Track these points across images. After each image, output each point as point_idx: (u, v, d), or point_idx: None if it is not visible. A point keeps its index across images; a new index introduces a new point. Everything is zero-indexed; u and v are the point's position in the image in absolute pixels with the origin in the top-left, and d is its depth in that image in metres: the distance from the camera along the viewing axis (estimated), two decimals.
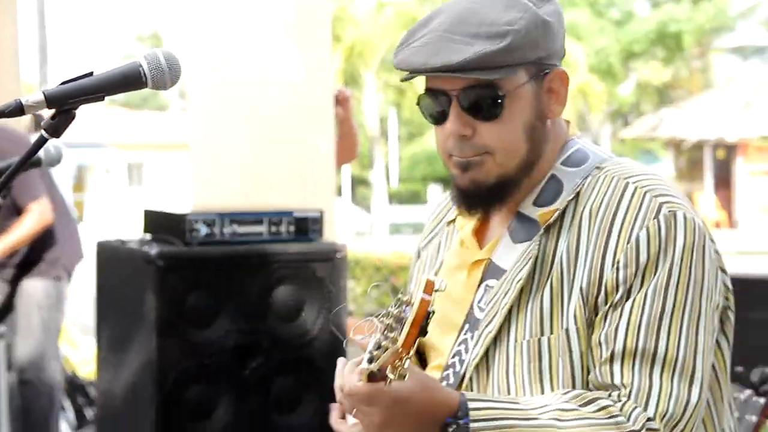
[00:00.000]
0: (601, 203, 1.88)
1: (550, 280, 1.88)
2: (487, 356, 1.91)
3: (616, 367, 1.81)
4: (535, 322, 1.87)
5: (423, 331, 1.60)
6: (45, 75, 17.07)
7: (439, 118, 1.91)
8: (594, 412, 1.79)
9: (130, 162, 34.90)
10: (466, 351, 1.95)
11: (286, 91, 4.84)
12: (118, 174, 34.72)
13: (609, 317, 1.83)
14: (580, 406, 1.79)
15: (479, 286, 1.97)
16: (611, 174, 1.91)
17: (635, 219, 1.84)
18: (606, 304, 1.83)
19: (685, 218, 1.84)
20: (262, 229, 3.91)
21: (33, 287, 5.74)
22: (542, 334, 1.87)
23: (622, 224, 1.84)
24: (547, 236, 1.91)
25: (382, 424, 1.73)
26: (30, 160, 1.81)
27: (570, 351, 1.85)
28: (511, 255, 1.94)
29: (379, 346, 1.64)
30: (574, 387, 1.85)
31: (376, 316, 1.67)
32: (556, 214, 1.91)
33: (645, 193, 1.86)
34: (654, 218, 1.83)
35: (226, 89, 4.83)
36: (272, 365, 3.78)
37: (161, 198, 29.84)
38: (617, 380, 1.81)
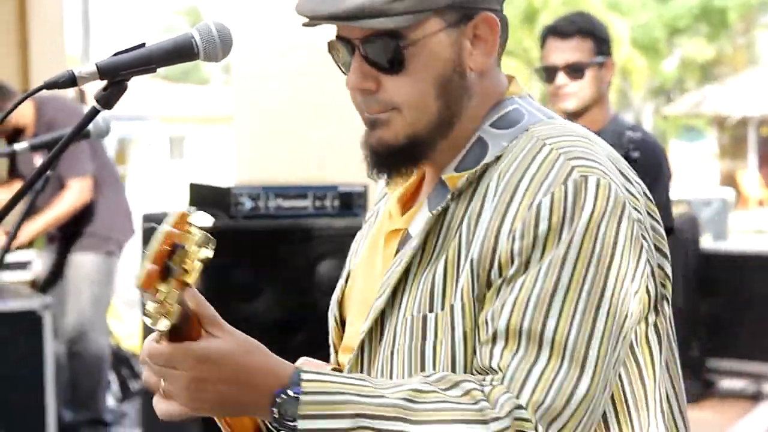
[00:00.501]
0: (512, 164, 1.62)
1: (447, 250, 1.63)
2: (374, 332, 1.70)
3: (497, 348, 1.55)
4: (425, 296, 1.63)
5: (168, 271, 1.39)
6: (87, 47, 17.13)
7: (346, 68, 1.71)
8: (457, 396, 1.52)
9: (171, 135, 35.06)
10: None
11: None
12: (160, 147, 34.89)
13: (500, 293, 1.57)
14: (442, 389, 1.53)
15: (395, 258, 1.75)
16: (533, 134, 1.65)
17: (541, 183, 1.57)
18: (500, 278, 1.57)
19: (598, 184, 1.56)
20: (306, 203, 3.91)
21: (84, 261, 5.78)
22: (431, 310, 1.63)
23: (527, 189, 1.58)
24: (458, 203, 1.66)
25: (190, 388, 1.47)
26: (81, 132, 1.80)
27: (453, 329, 1.61)
28: (422, 223, 1.70)
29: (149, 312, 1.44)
30: (454, 371, 1.61)
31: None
32: (464, 178, 1.66)
33: (560, 155, 1.59)
34: (562, 183, 1.56)
35: (271, 62, 4.82)
36: (315, 339, 3.79)
37: (202, 171, 29.96)
38: (495, 363, 1.55)
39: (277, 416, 1.49)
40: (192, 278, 1.43)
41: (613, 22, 25.91)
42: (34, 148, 2.95)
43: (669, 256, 1.70)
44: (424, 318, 1.63)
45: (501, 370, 1.54)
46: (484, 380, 1.54)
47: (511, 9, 28.15)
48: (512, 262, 1.56)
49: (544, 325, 1.53)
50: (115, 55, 1.70)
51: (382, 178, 1.74)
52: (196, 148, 35.40)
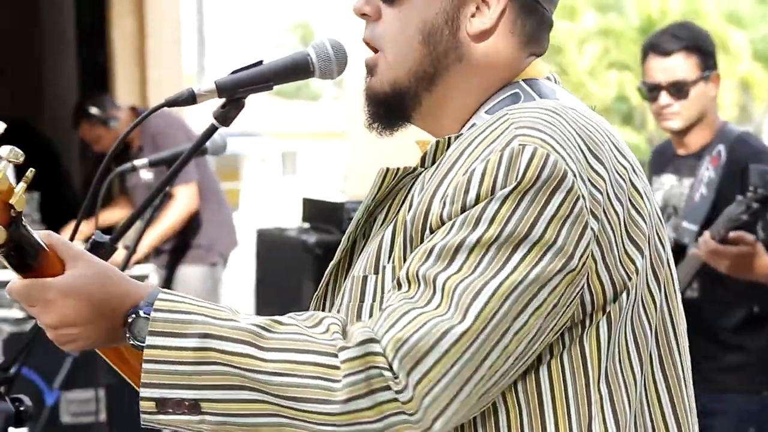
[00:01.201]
0: (469, 134, 1.56)
1: (399, 213, 1.59)
2: (327, 290, 1.66)
3: (395, 292, 1.49)
4: (371, 258, 1.58)
5: None
6: (203, 64, 17.44)
7: None
8: (318, 331, 1.47)
9: (284, 151, 35.44)
10: None
11: None
12: (273, 163, 35.29)
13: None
14: (305, 325, 1.48)
15: None
16: (505, 109, 1.57)
17: (483, 150, 1.50)
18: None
19: (533, 153, 1.47)
20: None
21: (190, 273, 5.87)
22: (375, 272, 1.57)
23: (469, 155, 1.51)
24: (426, 170, 1.61)
25: (53, 321, 1.47)
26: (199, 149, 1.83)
27: (382, 291, 1.56)
28: None
29: None
30: None
31: None
32: (431, 144, 1.61)
33: (511, 124, 1.51)
34: (500, 150, 1.48)
35: None
36: None
37: (315, 187, 30.22)
38: (385, 303, 1.48)
39: (128, 336, 1.48)
40: (17, 201, 1.43)
41: (732, 34, 25.45)
42: (153, 164, 3.01)
43: (644, 249, 1.57)
44: (365, 279, 1.58)
45: (384, 310, 1.47)
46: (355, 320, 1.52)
47: (626, 21, 27.88)
48: (441, 225, 1.49)
49: (439, 273, 1.46)
50: (232, 73, 1.72)
51: (374, 129, 1.71)
52: (309, 163, 35.72)
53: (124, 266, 2.73)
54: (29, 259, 1.46)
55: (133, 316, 1.47)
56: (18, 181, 1.46)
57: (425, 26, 1.63)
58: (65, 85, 8.48)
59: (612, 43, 27.28)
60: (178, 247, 5.90)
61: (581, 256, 1.49)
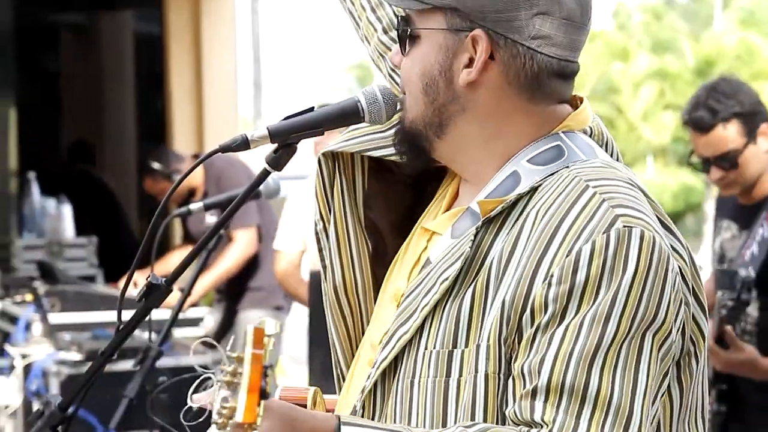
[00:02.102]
0: (552, 204, 1.57)
1: (474, 283, 1.60)
2: (395, 363, 1.66)
3: (539, 403, 1.51)
4: (450, 331, 1.60)
5: (263, 394, 1.40)
6: (259, 108, 17.60)
7: None
8: None
9: None
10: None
11: None
12: None
13: (536, 343, 1.53)
14: None
15: (413, 269, 1.74)
16: (574, 173, 1.60)
17: (583, 229, 1.53)
18: (532, 324, 1.54)
19: (642, 236, 1.52)
20: None
21: (254, 317, 5.87)
22: (456, 345, 1.59)
23: (567, 233, 1.53)
24: (486, 232, 1.62)
25: None
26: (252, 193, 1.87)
27: (476, 371, 1.57)
28: (443, 249, 1.68)
29: (221, 413, 1.43)
30: (473, 412, 1.58)
31: (211, 376, 1.49)
32: (500, 206, 1.61)
33: (603, 201, 1.55)
34: (604, 232, 1.52)
35: None
36: None
37: None
38: (538, 416, 1.51)
39: None
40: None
41: None
42: (208, 208, 3.06)
43: (706, 308, 1.65)
44: (450, 354, 1.60)
45: (546, 424, 1.50)
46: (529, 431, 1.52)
47: (682, 62, 27.77)
48: (546, 308, 1.53)
49: (587, 381, 1.50)
50: (285, 119, 1.76)
51: (404, 160, 1.78)
52: None
53: (179, 308, 2.77)
54: None
55: None
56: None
57: (424, 76, 1.69)
58: (124, 131, 8.62)
59: (668, 84, 27.16)
60: (241, 290, 5.92)
61: (677, 331, 1.58)
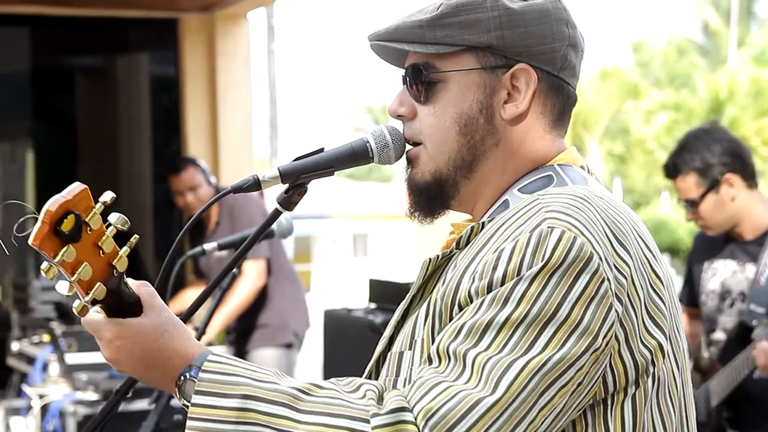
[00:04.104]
0: (501, 217, 1.64)
1: (432, 292, 1.67)
2: (375, 372, 1.75)
3: (426, 367, 1.57)
4: (407, 335, 1.67)
5: (59, 234, 1.46)
6: (275, 149, 17.66)
7: None
8: (354, 396, 1.56)
9: (355, 232, 35.57)
10: None
11: None
12: (344, 244, 35.42)
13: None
14: (344, 390, 1.57)
15: None
16: (537, 194, 1.65)
17: (513, 231, 1.58)
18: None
19: (561, 236, 1.54)
20: None
21: (264, 355, 5.87)
22: (410, 348, 1.66)
23: (500, 236, 1.59)
24: (460, 252, 1.68)
25: (109, 357, 1.62)
26: (264, 232, 1.89)
27: (412, 364, 1.65)
28: None
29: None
30: None
31: None
32: (468, 228, 1.67)
33: (541, 208, 1.59)
34: (529, 232, 1.55)
35: None
36: None
37: (386, 268, 30.24)
38: (416, 376, 1.56)
39: (178, 395, 1.60)
40: (120, 264, 1.55)
41: None
42: (222, 248, 3.09)
43: (666, 331, 1.62)
44: (401, 354, 1.67)
45: (415, 380, 1.55)
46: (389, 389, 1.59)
47: (695, 101, 27.78)
48: (470, 301, 1.57)
49: (468, 349, 1.53)
50: (295, 159, 1.79)
51: (416, 218, 1.79)
52: (380, 245, 35.79)
53: None
54: (127, 312, 1.61)
55: (182, 378, 1.59)
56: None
57: (461, 118, 1.71)
58: (141, 173, 8.67)
59: (682, 117, 27.16)
60: (250, 328, 5.93)
61: (605, 336, 1.55)
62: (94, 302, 1.56)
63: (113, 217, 1.54)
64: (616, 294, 1.56)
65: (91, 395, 4.92)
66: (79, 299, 1.56)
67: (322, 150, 1.80)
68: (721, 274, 3.96)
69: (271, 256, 5.85)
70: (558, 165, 1.73)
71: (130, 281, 1.62)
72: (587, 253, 1.54)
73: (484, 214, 1.74)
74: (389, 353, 1.71)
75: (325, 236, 34.36)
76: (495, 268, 1.56)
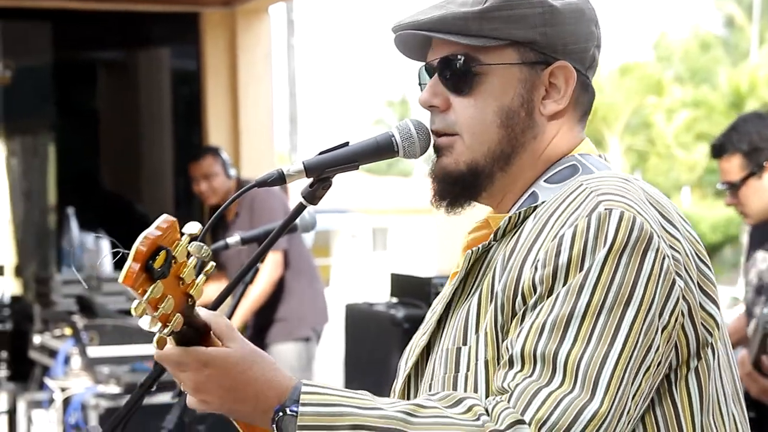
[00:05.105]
0: (549, 205, 1.65)
1: (481, 286, 1.67)
2: (421, 368, 1.73)
3: (511, 371, 1.55)
4: (459, 329, 1.66)
5: (150, 271, 1.42)
6: (295, 143, 17.67)
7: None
8: (459, 412, 1.53)
9: (374, 227, 35.57)
10: None
11: None
12: (364, 239, 35.43)
13: (522, 321, 1.58)
14: (445, 406, 1.54)
15: None
16: (578, 180, 1.67)
17: (568, 217, 1.59)
18: (523, 306, 1.59)
19: (621, 216, 1.56)
20: None
21: (284, 350, 5.88)
22: (464, 343, 1.65)
23: (555, 222, 1.60)
24: (500, 244, 1.69)
25: (196, 390, 1.55)
26: (289, 227, 1.89)
27: (477, 359, 1.63)
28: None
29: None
30: None
31: None
32: (506, 218, 1.69)
33: (591, 192, 1.61)
34: (586, 216, 1.57)
35: None
36: None
37: (406, 262, 30.24)
38: (506, 383, 1.54)
39: (275, 431, 1.54)
40: (197, 292, 1.50)
41: None
42: (245, 242, 3.08)
43: (718, 303, 1.65)
44: (458, 350, 1.65)
45: (510, 390, 1.53)
46: (492, 399, 1.55)
47: (717, 96, 27.68)
48: (534, 290, 1.58)
49: (557, 349, 1.53)
50: (320, 153, 1.78)
51: (442, 207, 1.79)
52: (400, 239, 35.79)
53: None
54: (194, 340, 1.56)
55: (280, 413, 1.53)
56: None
57: (502, 111, 1.73)
58: (162, 167, 8.69)
59: (702, 113, 27.06)
60: (268, 322, 5.94)
61: (672, 313, 1.58)
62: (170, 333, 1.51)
63: (194, 246, 1.50)
64: (675, 270, 1.58)
65: (113, 388, 4.93)
66: (157, 331, 1.50)
67: (346, 144, 1.79)
68: (759, 265, 3.93)
69: (289, 248, 5.85)
70: (579, 154, 1.76)
71: (201, 310, 1.58)
72: (648, 231, 1.57)
73: (512, 207, 1.75)
74: (438, 349, 1.70)
75: (345, 230, 34.36)
76: (558, 254, 1.57)
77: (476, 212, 1.85)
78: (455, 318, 1.69)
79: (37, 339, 6.10)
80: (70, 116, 8.83)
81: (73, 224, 6.83)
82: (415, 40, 1.77)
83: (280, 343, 5.90)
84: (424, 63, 1.80)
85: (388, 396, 1.89)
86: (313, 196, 1.79)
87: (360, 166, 1.80)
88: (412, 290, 4.03)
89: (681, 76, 30.83)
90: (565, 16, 1.72)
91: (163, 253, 1.45)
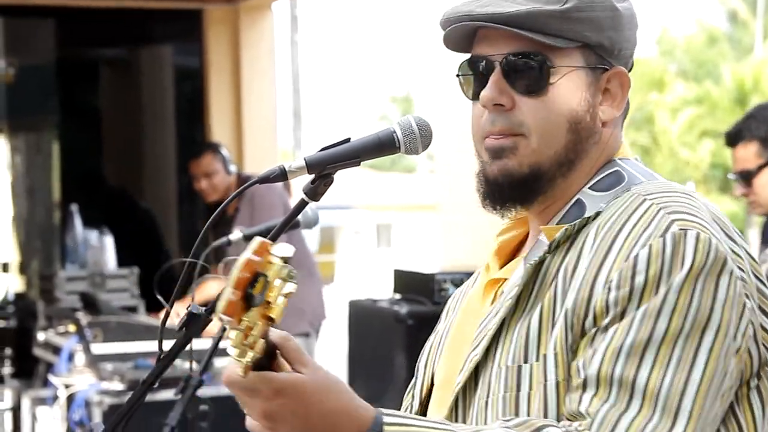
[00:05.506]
0: (610, 218, 1.60)
1: (542, 301, 1.61)
2: (472, 383, 1.66)
3: (587, 394, 1.52)
4: (520, 346, 1.61)
5: (249, 299, 1.38)
6: (299, 140, 17.66)
7: (477, 91, 1.70)
8: None
9: (378, 223, 35.58)
10: None
11: None
12: (368, 235, 35.43)
13: (593, 341, 1.54)
14: None
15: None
16: (633, 191, 1.63)
17: (640, 236, 1.55)
18: (594, 327, 1.55)
19: (697, 238, 1.53)
20: None
21: None
22: (526, 360, 1.60)
23: (624, 241, 1.56)
24: (554, 256, 1.64)
25: (266, 418, 1.49)
26: (291, 223, 1.89)
27: (545, 380, 1.58)
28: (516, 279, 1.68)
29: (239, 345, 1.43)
30: None
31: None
32: (562, 230, 1.63)
33: (659, 209, 1.57)
34: (660, 236, 1.54)
35: (474, 151, 4.90)
36: None
37: (409, 258, 30.25)
38: (584, 408, 1.51)
39: None
40: (276, 314, 1.45)
41: None
42: (248, 238, 3.09)
43: None
44: (519, 368, 1.60)
45: (589, 416, 1.50)
46: (570, 425, 1.51)
47: (722, 92, 27.64)
48: (607, 312, 1.54)
49: (636, 374, 1.50)
50: (322, 150, 1.77)
51: (495, 210, 1.73)
52: (404, 235, 35.79)
53: (219, 338, 2.79)
54: (265, 363, 1.50)
55: None
56: None
57: (571, 115, 1.68)
58: (165, 164, 8.69)
59: (705, 110, 27.03)
60: None
61: (743, 335, 1.57)
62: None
63: (285, 271, 1.46)
64: (745, 292, 1.58)
65: (117, 385, 4.93)
66: (238, 359, 1.45)
67: (348, 140, 1.78)
68: None
69: (287, 243, 5.85)
70: (618, 159, 1.73)
71: (273, 331, 1.51)
72: (722, 253, 1.56)
73: (556, 214, 1.70)
74: (493, 365, 1.64)
75: (349, 227, 34.37)
76: (633, 276, 1.54)
77: (476, 215, 1.83)
78: (513, 333, 1.63)
79: (41, 336, 6.10)
80: (73, 113, 8.83)
81: (77, 221, 6.83)
82: (462, 30, 1.71)
83: None
84: (471, 54, 1.72)
85: (403, 396, 1.89)
86: (314, 192, 1.78)
87: (362, 162, 1.80)
88: (416, 287, 4.03)
89: (684, 71, 30.80)
90: (625, 21, 1.70)
91: (261, 280, 1.41)
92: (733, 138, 3.79)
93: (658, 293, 1.52)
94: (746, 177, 3.74)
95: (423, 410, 1.83)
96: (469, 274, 3.92)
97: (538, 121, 1.67)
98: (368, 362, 4.18)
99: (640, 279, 1.53)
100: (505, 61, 1.67)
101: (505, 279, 1.73)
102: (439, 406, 1.76)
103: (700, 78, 29.17)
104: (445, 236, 5.55)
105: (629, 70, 1.74)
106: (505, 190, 1.70)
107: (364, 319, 4.22)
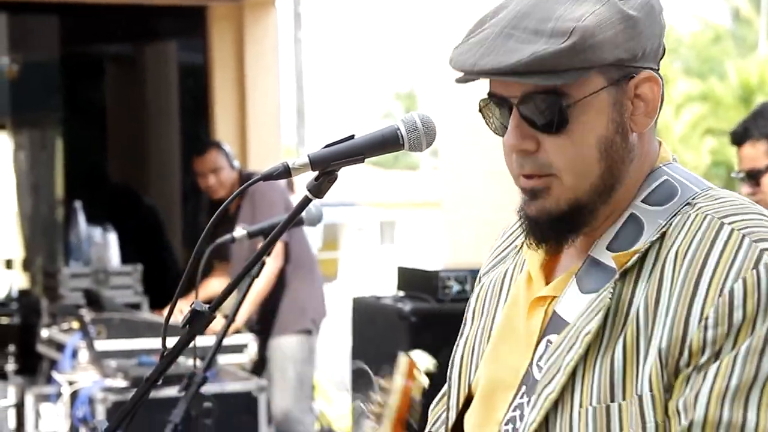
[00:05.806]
0: (689, 247, 1.54)
1: (623, 334, 1.55)
2: (546, 423, 1.59)
3: None
4: (605, 384, 1.55)
5: (409, 428, 1.42)
6: (302, 137, 17.67)
7: (500, 129, 1.65)
8: None
9: (382, 220, 35.57)
10: (521, 418, 1.63)
11: None
12: (371, 232, 35.43)
13: (691, 381, 1.51)
14: None
15: (539, 341, 1.65)
16: (704, 212, 1.57)
17: (730, 268, 1.51)
18: (689, 366, 1.52)
19: None
20: None
21: (286, 343, 5.90)
22: (612, 399, 1.55)
23: (714, 273, 1.51)
24: (623, 283, 1.58)
25: None
26: (295, 220, 1.89)
27: (644, 422, 1.53)
28: (578, 306, 1.61)
29: None
30: None
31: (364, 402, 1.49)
32: (635, 257, 1.57)
33: (743, 236, 1.53)
34: (753, 268, 1.50)
35: (478, 148, 4.89)
36: None
37: (413, 255, 30.24)
38: None
39: None
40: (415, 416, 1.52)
41: None
42: (252, 236, 3.09)
43: None
44: (608, 408, 1.55)
45: None
46: None
47: (726, 89, 27.62)
48: (704, 350, 1.51)
49: (744, 417, 1.49)
50: (325, 146, 1.77)
51: (541, 247, 1.67)
52: (407, 232, 35.79)
53: (223, 335, 2.79)
54: None
55: None
56: None
57: (600, 142, 1.60)
58: (169, 161, 8.70)
59: (709, 108, 27.00)
60: (269, 315, 5.95)
61: None
62: None
63: (427, 382, 1.51)
64: None
65: (121, 382, 4.94)
66: None
67: (352, 137, 1.78)
68: None
69: (290, 241, 5.86)
70: (663, 165, 1.67)
71: None
72: None
73: (608, 230, 1.64)
74: (573, 403, 1.58)
75: (352, 224, 34.37)
76: (731, 313, 1.50)
77: (479, 211, 1.83)
78: (594, 370, 1.58)
79: (44, 333, 6.11)
80: (77, 110, 8.84)
81: (81, 218, 6.84)
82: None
83: (282, 336, 5.91)
84: (488, 92, 1.65)
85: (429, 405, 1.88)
86: (318, 189, 1.78)
87: (365, 159, 1.79)
88: (420, 284, 4.03)
89: (688, 68, 30.78)
90: (642, 23, 1.60)
91: (416, 404, 1.47)
92: (740, 136, 3.72)
93: (757, 330, 1.50)
94: (754, 176, 3.67)
95: (459, 421, 1.78)
96: (473, 271, 3.93)
97: (566, 160, 1.60)
98: (371, 359, 4.18)
99: (738, 316, 1.50)
100: (521, 102, 1.61)
101: (554, 297, 1.67)
102: (485, 418, 1.71)
103: (704, 75, 29.13)
104: (449, 233, 5.54)
105: (660, 58, 1.65)
106: (546, 229, 1.64)
107: (367, 317, 4.22)
